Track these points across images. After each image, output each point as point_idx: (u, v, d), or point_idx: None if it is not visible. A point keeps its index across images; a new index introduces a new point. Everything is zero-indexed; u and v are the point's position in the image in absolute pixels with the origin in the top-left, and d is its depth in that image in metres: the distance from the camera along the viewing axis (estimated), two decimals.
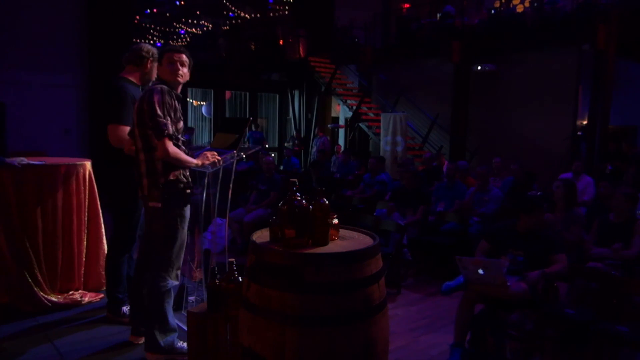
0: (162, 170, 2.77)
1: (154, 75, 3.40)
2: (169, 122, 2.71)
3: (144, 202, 2.89)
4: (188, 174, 2.94)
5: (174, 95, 2.80)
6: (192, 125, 13.32)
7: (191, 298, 3.71)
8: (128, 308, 3.50)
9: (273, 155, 12.37)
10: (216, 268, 2.75)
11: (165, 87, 2.77)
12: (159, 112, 2.67)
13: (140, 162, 2.82)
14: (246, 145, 3.45)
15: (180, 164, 2.80)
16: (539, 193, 6.30)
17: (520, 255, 3.33)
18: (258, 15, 14.06)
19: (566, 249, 4.17)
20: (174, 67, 2.84)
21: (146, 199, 2.84)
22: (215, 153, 2.98)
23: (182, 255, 2.97)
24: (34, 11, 9.95)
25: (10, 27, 9.72)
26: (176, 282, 2.96)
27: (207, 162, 2.90)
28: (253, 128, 12.86)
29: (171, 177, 2.80)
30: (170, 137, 2.70)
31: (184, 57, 2.89)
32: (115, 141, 3.18)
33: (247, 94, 14.44)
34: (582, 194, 6.12)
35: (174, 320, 2.98)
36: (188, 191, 2.90)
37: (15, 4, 9.75)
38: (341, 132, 14.86)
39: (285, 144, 14.35)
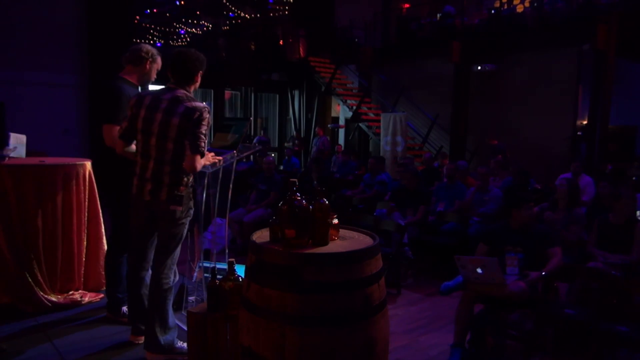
0: (186, 177, 2.85)
1: (153, 76, 3.41)
2: (206, 140, 2.78)
3: (153, 205, 2.86)
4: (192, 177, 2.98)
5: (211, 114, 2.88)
6: None
7: (191, 298, 3.71)
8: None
9: (273, 155, 12.36)
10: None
11: (208, 106, 2.83)
12: (202, 130, 2.74)
13: (164, 173, 2.80)
14: (246, 145, 3.45)
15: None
16: (537, 186, 6.31)
17: (520, 252, 3.34)
18: (258, 15, 14.05)
19: (566, 248, 4.19)
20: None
21: (162, 202, 2.82)
22: (214, 154, 3.01)
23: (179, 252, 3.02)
24: (33, 11, 9.95)
25: (10, 27, 9.72)
26: (176, 279, 3.01)
27: (207, 162, 2.93)
28: (261, 133, 12.89)
29: (190, 184, 2.90)
30: (202, 155, 2.76)
31: None
32: (109, 141, 3.18)
33: (247, 94, 14.44)
34: (581, 193, 6.13)
35: (174, 319, 2.99)
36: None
37: (15, 4, 9.76)
38: (341, 132, 14.86)
39: (285, 144, 14.35)
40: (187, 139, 2.72)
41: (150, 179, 2.84)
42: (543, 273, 3.19)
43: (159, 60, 3.43)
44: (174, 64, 2.87)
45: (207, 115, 2.76)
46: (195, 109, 2.74)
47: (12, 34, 9.73)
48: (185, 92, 2.84)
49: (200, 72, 2.92)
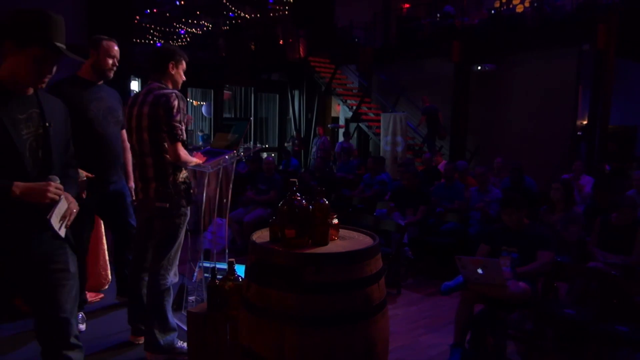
0: (172, 172, 2.82)
1: (105, 65, 3.13)
2: (183, 127, 2.76)
3: (147, 204, 2.89)
4: (187, 174, 2.97)
5: (185, 100, 2.85)
6: (192, 127, 13.33)
7: (191, 298, 3.71)
8: None
9: (273, 155, 12.36)
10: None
11: (179, 93, 2.81)
12: (176, 117, 2.72)
13: (147, 166, 2.82)
14: (246, 146, 3.46)
15: (185, 165, 2.87)
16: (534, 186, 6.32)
17: (515, 252, 3.35)
18: (258, 15, 14.06)
19: (566, 248, 4.19)
20: (182, 74, 2.94)
21: (151, 200, 2.84)
22: (200, 154, 3.06)
23: (179, 253, 3.00)
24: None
25: None
26: (175, 280, 2.99)
27: (199, 161, 2.95)
28: (342, 138, 12.23)
29: (179, 179, 2.86)
30: (183, 143, 2.76)
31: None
32: None
33: (247, 94, 14.45)
34: (582, 189, 6.14)
35: (173, 319, 2.99)
36: (191, 191, 2.97)
37: (14, 4, 9.75)
38: (341, 132, 14.86)
39: (285, 144, 14.35)
40: (164, 131, 2.72)
41: (139, 177, 2.89)
42: (517, 270, 3.21)
43: (104, 45, 3.10)
44: (148, 60, 2.98)
45: (176, 101, 2.71)
46: (161, 95, 2.73)
47: None
48: (159, 84, 2.84)
49: (171, 63, 2.86)
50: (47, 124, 1.88)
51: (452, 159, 9.36)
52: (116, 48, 3.16)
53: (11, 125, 1.78)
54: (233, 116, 14.47)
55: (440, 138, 10.82)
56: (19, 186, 1.74)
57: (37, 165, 1.85)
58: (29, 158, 1.82)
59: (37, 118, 1.87)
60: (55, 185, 1.80)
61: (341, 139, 14.57)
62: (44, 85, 1.92)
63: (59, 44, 1.81)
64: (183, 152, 2.75)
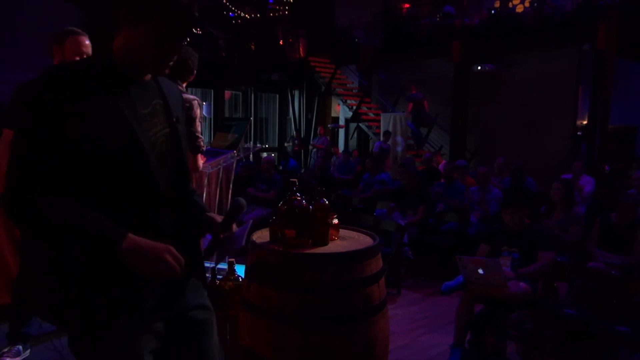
0: None
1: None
2: (203, 137, 2.77)
3: None
4: None
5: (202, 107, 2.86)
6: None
7: None
8: None
9: (273, 155, 12.36)
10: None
11: (199, 99, 2.79)
12: (198, 129, 2.70)
13: None
14: (246, 146, 3.47)
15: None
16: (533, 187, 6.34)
17: (515, 252, 3.35)
18: (258, 15, 14.06)
19: (566, 249, 4.19)
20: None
21: None
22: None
23: None
24: (33, 11, 9.96)
25: (9, 27, 9.73)
26: None
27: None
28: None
29: None
30: (203, 154, 2.79)
31: None
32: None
33: (247, 94, 14.45)
34: (581, 190, 6.14)
35: None
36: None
37: (14, 4, 9.76)
38: (341, 132, 14.86)
39: (285, 144, 14.34)
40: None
41: None
42: (519, 271, 3.21)
43: (70, 41, 2.65)
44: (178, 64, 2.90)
45: (198, 110, 2.69)
46: (185, 100, 2.68)
47: (12, 35, 9.74)
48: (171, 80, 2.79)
49: (196, 69, 2.85)
50: (174, 119, 1.36)
51: (452, 159, 9.36)
52: (87, 42, 2.60)
53: (136, 122, 1.24)
54: (233, 116, 14.47)
55: (425, 126, 11.12)
56: (127, 241, 1.15)
57: (170, 178, 1.32)
58: (161, 169, 1.28)
59: (162, 112, 1.35)
60: (174, 255, 1.20)
61: (342, 139, 14.59)
62: (168, 71, 1.35)
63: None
64: (201, 163, 2.80)
